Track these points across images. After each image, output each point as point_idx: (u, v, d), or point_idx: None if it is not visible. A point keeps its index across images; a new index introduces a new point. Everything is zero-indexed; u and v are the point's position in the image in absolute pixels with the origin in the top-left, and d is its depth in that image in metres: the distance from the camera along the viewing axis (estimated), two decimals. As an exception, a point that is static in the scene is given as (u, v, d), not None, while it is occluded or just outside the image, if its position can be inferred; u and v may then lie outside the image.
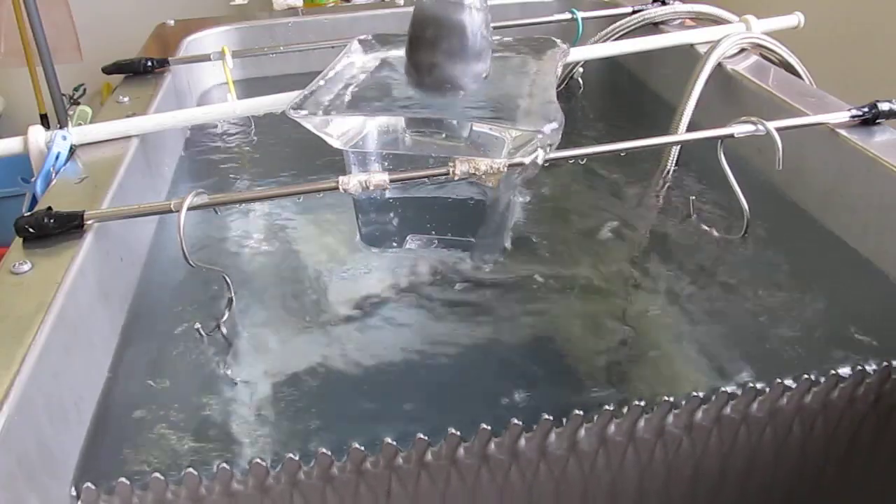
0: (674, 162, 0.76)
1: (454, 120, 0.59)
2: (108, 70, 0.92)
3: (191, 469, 0.43)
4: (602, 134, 0.90)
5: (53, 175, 0.65)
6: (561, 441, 0.47)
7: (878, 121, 0.65)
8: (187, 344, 0.55)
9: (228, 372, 0.52)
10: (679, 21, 0.98)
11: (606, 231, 0.67)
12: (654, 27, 0.97)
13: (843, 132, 0.64)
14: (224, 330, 0.55)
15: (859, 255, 0.61)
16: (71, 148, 0.69)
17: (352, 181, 0.54)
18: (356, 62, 0.67)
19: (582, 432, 0.47)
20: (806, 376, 0.49)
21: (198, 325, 0.55)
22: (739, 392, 0.48)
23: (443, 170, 0.54)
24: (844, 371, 0.49)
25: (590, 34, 0.98)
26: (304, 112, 0.57)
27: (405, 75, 0.62)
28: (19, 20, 1.94)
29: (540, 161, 0.55)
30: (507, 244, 0.65)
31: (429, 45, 0.59)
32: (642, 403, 0.47)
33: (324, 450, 0.44)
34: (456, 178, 0.54)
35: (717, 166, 0.61)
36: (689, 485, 0.52)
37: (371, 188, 0.54)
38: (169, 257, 0.66)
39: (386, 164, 0.60)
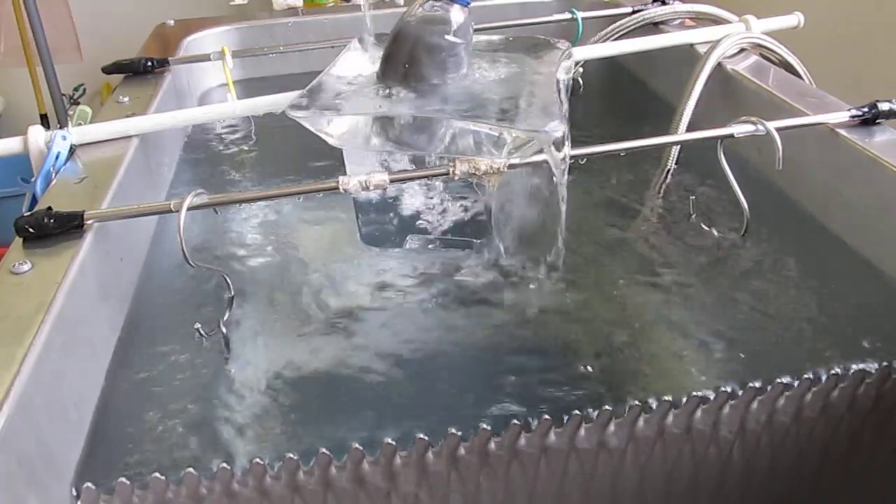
0: (674, 162, 0.76)
1: (454, 119, 0.59)
2: (108, 70, 0.93)
3: (191, 469, 0.43)
4: (602, 134, 0.90)
5: (53, 175, 0.65)
6: (561, 441, 0.47)
7: (878, 121, 0.65)
8: (187, 344, 0.55)
9: (228, 371, 0.52)
10: (679, 21, 0.98)
11: (606, 231, 0.67)
12: (654, 27, 0.97)
13: (842, 132, 0.64)
14: (224, 330, 0.55)
15: (859, 255, 0.61)
16: (71, 148, 0.69)
17: (352, 181, 0.54)
18: (356, 62, 0.67)
19: (582, 432, 0.47)
20: (806, 376, 0.49)
21: (198, 325, 0.55)
22: (739, 392, 0.48)
23: (443, 170, 0.54)
24: (844, 371, 0.49)
25: (590, 34, 0.98)
26: (303, 112, 0.57)
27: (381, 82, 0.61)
28: (19, 20, 1.94)
29: (550, 159, 0.55)
30: (513, 245, 0.64)
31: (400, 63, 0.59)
32: (642, 403, 0.47)
33: (323, 450, 0.44)
34: (456, 177, 0.54)
35: (717, 166, 0.61)
36: (690, 484, 0.52)
37: (371, 188, 0.54)
38: (169, 257, 0.66)
39: (386, 164, 0.60)
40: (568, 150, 0.56)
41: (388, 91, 0.61)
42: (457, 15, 0.59)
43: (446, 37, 0.59)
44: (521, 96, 0.60)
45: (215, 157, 0.88)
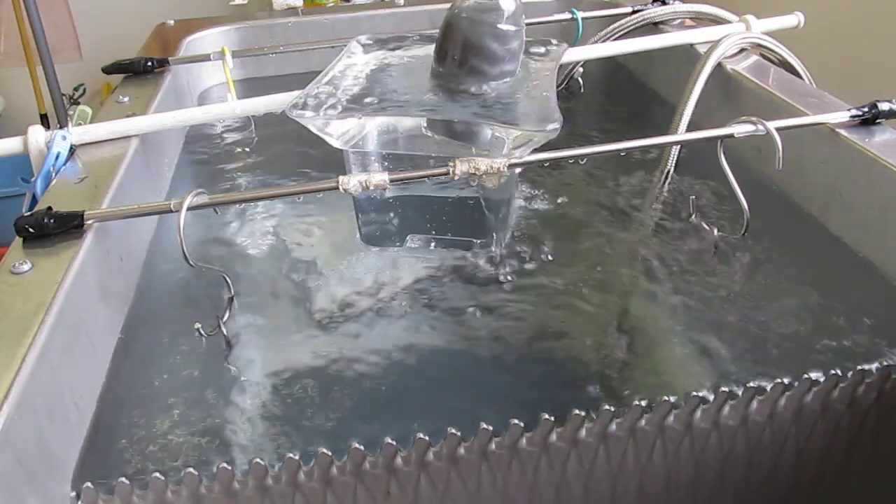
0: (674, 162, 0.76)
1: (454, 120, 0.59)
2: (108, 70, 0.93)
3: (191, 469, 0.43)
4: (602, 134, 0.90)
5: (53, 175, 0.65)
6: (561, 441, 0.47)
7: (878, 121, 0.65)
8: (187, 344, 0.55)
9: (228, 371, 0.52)
10: (679, 21, 0.98)
11: (606, 231, 0.67)
12: (654, 27, 0.97)
13: (843, 132, 0.64)
14: (224, 330, 0.55)
15: (859, 256, 0.61)
16: (71, 148, 0.69)
17: (352, 181, 0.54)
18: (356, 62, 0.67)
19: (582, 432, 0.47)
20: (806, 376, 0.49)
21: (198, 325, 0.55)
22: (739, 392, 0.48)
23: (443, 170, 0.54)
24: (844, 371, 0.49)
25: (590, 34, 0.98)
26: (303, 112, 0.57)
27: (431, 77, 0.62)
28: (19, 20, 1.94)
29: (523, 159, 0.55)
30: (505, 242, 0.65)
31: (462, 55, 0.59)
32: (642, 403, 0.47)
33: (324, 450, 0.44)
34: (456, 178, 0.54)
35: (717, 166, 0.61)
36: (690, 484, 0.52)
37: (371, 188, 0.54)
38: (169, 257, 0.66)
39: (386, 163, 0.60)
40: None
41: (388, 90, 0.61)
42: (508, 3, 0.58)
43: (498, 26, 0.58)
44: (522, 97, 0.60)
45: (215, 156, 0.88)
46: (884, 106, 0.65)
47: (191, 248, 0.52)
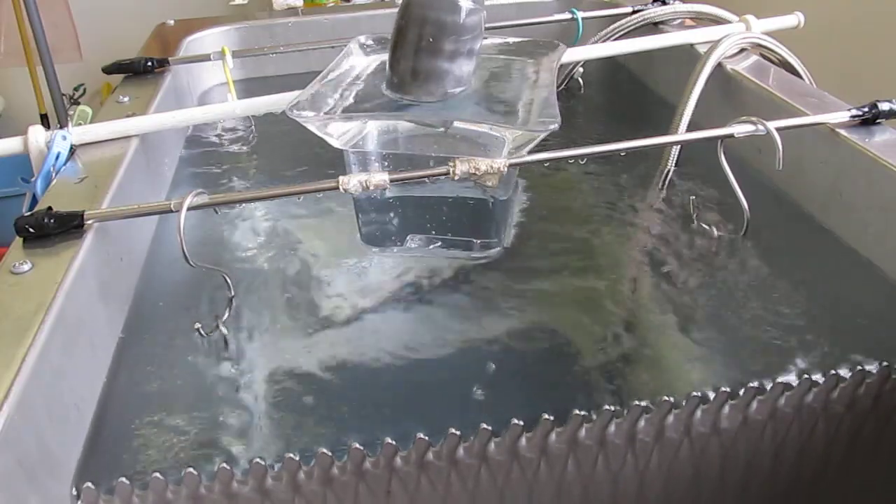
0: (674, 162, 0.76)
1: (454, 122, 0.59)
2: (108, 70, 0.93)
3: (191, 469, 0.43)
4: (602, 134, 0.90)
5: (53, 175, 0.65)
6: (561, 441, 0.47)
7: (878, 121, 0.65)
8: (187, 344, 0.55)
9: (228, 372, 0.52)
10: (679, 21, 0.98)
11: (606, 231, 0.67)
12: (654, 27, 0.97)
13: (843, 132, 0.64)
14: (224, 329, 0.55)
15: (859, 255, 0.61)
16: (71, 148, 0.69)
17: (352, 181, 0.54)
18: (356, 62, 0.67)
19: (582, 432, 0.47)
20: (806, 376, 0.49)
21: (198, 325, 0.55)
22: (740, 392, 0.48)
23: (443, 170, 0.54)
24: (844, 371, 0.49)
25: (590, 34, 0.98)
26: (303, 112, 0.57)
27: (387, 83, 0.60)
28: (19, 20, 1.94)
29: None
30: (507, 242, 0.65)
31: (411, 47, 0.57)
32: (642, 403, 0.47)
33: (324, 450, 0.44)
34: (456, 178, 0.54)
35: (717, 166, 0.61)
36: (690, 484, 0.52)
37: (371, 188, 0.54)
38: (169, 257, 0.66)
39: (386, 164, 0.60)
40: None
41: (388, 91, 0.61)
42: None
43: (460, 2, 0.56)
44: (522, 97, 0.60)
45: (215, 156, 0.88)
46: (884, 106, 0.65)
47: (191, 248, 0.52)
